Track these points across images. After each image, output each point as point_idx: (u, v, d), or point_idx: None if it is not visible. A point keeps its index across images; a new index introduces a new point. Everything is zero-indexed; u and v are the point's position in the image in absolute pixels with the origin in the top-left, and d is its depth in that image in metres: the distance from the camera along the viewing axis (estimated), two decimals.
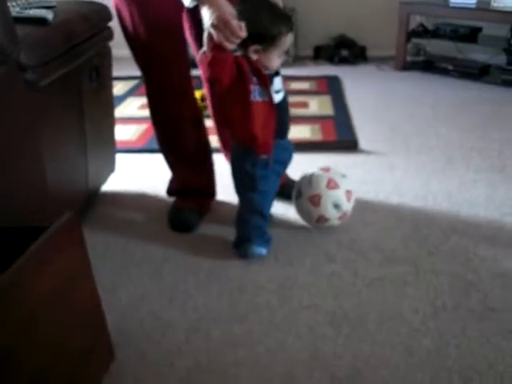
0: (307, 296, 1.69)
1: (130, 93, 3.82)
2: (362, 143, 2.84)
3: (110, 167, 2.35)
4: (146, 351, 1.50)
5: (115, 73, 2.41)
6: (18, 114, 1.56)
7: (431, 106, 3.49)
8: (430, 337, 1.52)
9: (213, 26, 1.58)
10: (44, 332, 1.12)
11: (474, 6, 4.03)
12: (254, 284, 1.76)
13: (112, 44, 2.24)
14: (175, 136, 2.07)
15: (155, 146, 2.81)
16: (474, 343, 1.50)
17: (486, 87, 3.88)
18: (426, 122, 3.19)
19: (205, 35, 1.62)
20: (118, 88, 3.89)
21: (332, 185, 1.95)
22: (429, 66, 4.35)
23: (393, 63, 4.39)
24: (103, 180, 2.31)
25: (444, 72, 4.20)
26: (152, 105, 2.05)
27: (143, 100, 3.58)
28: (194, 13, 1.77)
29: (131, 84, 4.03)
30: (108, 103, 2.26)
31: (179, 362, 1.46)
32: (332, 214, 1.96)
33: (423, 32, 4.34)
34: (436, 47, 4.46)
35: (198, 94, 3.23)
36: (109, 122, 2.29)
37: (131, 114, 3.36)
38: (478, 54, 4.30)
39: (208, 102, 2.20)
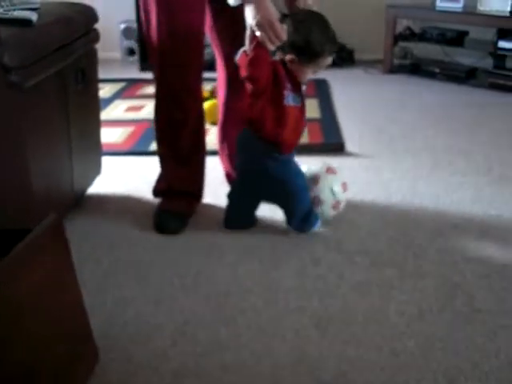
0: (293, 299, 1.69)
1: (117, 95, 3.80)
2: (349, 146, 2.84)
3: (95, 170, 2.33)
4: (132, 354, 1.48)
5: (102, 75, 2.40)
6: (2, 116, 1.55)
7: (418, 109, 3.51)
8: (415, 339, 1.52)
9: (258, 25, 1.66)
10: (26, 335, 1.11)
11: (460, 10, 4.06)
12: (240, 287, 1.75)
13: (99, 46, 2.23)
14: (175, 134, 2.08)
15: (141, 148, 2.83)
16: (459, 345, 1.50)
17: (473, 90, 3.90)
18: (412, 124, 3.20)
19: (247, 34, 1.70)
20: (105, 90, 3.87)
21: (331, 171, 2.06)
22: (416, 69, 4.37)
23: (380, 66, 4.41)
24: (89, 183, 2.30)
25: (431, 75, 4.22)
26: (160, 103, 2.08)
27: (130, 102, 3.61)
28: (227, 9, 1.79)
29: (118, 86, 4.01)
30: (94, 105, 2.25)
31: (165, 365, 1.45)
32: (327, 198, 2.01)
33: (410, 35, 4.37)
34: (423, 50, 4.47)
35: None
36: (95, 124, 2.28)
37: (118, 117, 3.35)
38: (464, 57, 4.32)
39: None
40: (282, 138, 1.88)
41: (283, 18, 1.75)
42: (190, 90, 2.04)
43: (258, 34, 1.68)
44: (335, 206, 2.04)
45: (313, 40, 1.76)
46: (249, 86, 1.81)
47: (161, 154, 2.16)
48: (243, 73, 1.76)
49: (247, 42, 1.72)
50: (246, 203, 2.07)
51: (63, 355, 1.26)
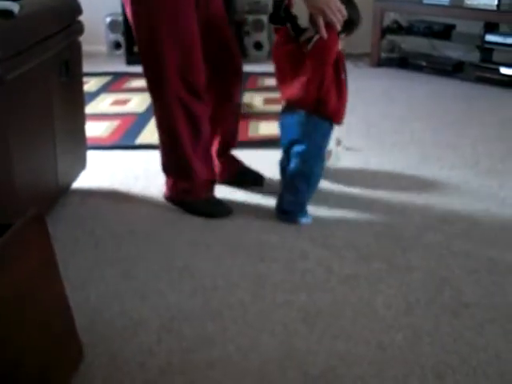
0: (281, 293, 1.68)
1: (103, 89, 3.77)
2: None
3: (80, 164, 2.30)
4: (117, 351, 1.46)
5: (88, 69, 2.37)
6: None
7: (406, 102, 3.50)
8: (403, 333, 1.51)
9: (327, 10, 1.80)
10: (7, 332, 1.09)
11: (447, 4, 4.05)
12: (226, 281, 1.74)
13: (84, 39, 2.20)
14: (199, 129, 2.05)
15: (127, 142, 2.80)
16: (447, 339, 1.49)
17: (460, 84, 3.90)
18: (400, 118, 3.19)
19: (320, 20, 1.82)
20: (91, 84, 3.84)
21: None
22: (403, 62, 4.36)
23: (368, 60, 4.40)
24: (74, 177, 2.27)
25: (418, 68, 4.22)
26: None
27: (116, 96, 3.58)
28: None
29: (104, 80, 3.98)
30: (78, 99, 2.22)
31: (151, 362, 1.43)
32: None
33: (397, 29, 4.36)
34: (410, 44, 4.47)
35: None
36: (79, 118, 2.25)
37: (104, 111, 3.31)
38: (451, 50, 4.32)
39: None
40: (342, 110, 2.05)
41: None
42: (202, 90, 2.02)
43: (328, 18, 1.81)
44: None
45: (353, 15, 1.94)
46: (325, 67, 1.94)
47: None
48: (333, 54, 1.90)
49: (320, 26, 1.83)
50: None
51: (47, 351, 1.24)
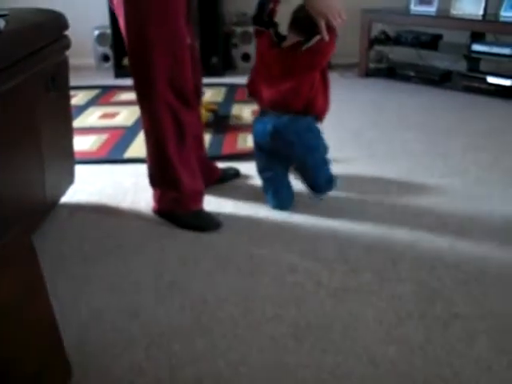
0: (270, 307, 1.66)
1: (92, 102, 3.76)
2: None
3: (69, 179, 2.29)
4: (106, 369, 1.44)
5: (76, 82, 2.36)
6: None
7: (394, 112, 3.51)
8: (394, 346, 1.50)
9: (331, 14, 1.91)
10: None
11: (434, 14, 4.09)
12: (216, 296, 1.72)
13: (72, 53, 2.19)
14: (184, 135, 2.04)
15: (116, 156, 2.79)
16: (439, 351, 1.49)
17: (448, 93, 3.93)
18: (389, 128, 3.20)
19: (322, 23, 1.92)
20: (79, 97, 3.83)
21: None
22: (391, 72, 4.38)
23: (356, 70, 4.42)
24: (62, 192, 2.25)
25: (406, 78, 4.24)
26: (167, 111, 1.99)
27: (104, 109, 3.56)
28: None
29: (92, 93, 3.97)
30: (66, 113, 2.21)
31: (140, 379, 1.41)
32: None
33: (385, 39, 4.38)
34: (398, 54, 4.50)
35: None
36: (67, 132, 2.23)
37: (92, 124, 3.30)
38: (439, 60, 4.35)
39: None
40: (327, 108, 2.17)
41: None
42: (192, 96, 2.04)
43: (330, 22, 1.92)
44: None
45: None
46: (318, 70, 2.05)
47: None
48: (328, 58, 2.04)
49: (323, 30, 1.92)
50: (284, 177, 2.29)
51: (32, 372, 1.22)
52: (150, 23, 1.84)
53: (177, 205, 2.11)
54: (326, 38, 1.93)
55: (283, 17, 2.10)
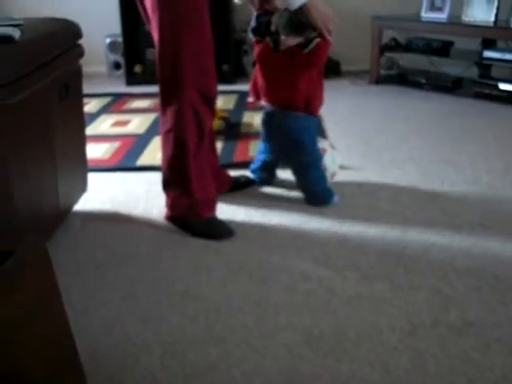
0: (283, 315, 1.66)
1: (104, 110, 3.78)
2: None
3: (81, 187, 2.30)
4: (120, 378, 1.45)
5: (88, 90, 2.38)
6: None
7: (405, 119, 3.51)
8: (408, 355, 1.50)
9: (325, 22, 2.08)
10: (6, 362, 1.08)
11: (445, 21, 4.08)
12: (229, 304, 1.72)
13: (84, 61, 2.20)
14: (203, 136, 2.10)
15: (128, 164, 2.80)
16: (452, 359, 1.48)
17: (459, 100, 3.92)
18: (400, 135, 3.20)
19: (323, 29, 2.09)
20: (91, 105, 3.85)
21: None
22: (402, 79, 4.38)
23: (367, 77, 4.42)
24: (75, 200, 2.26)
25: (417, 85, 4.24)
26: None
27: (116, 117, 3.58)
28: None
29: (104, 101, 3.99)
30: (79, 121, 2.23)
31: None
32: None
33: (396, 46, 4.38)
34: (409, 61, 4.50)
35: None
36: (80, 140, 2.25)
37: (104, 132, 3.32)
38: (450, 67, 4.34)
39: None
40: (320, 105, 2.30)
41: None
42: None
43: (326, 29, 2.09)
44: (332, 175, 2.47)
45: None
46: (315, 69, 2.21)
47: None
48: (325, 58, 2.19)
49: (325, 33, 2.11)
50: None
51: (46, 380, 1.23)
52: (183, 28, 1.92)
53: (189, 212, 2.12)
54: (330, 39, 2.14)
55: None
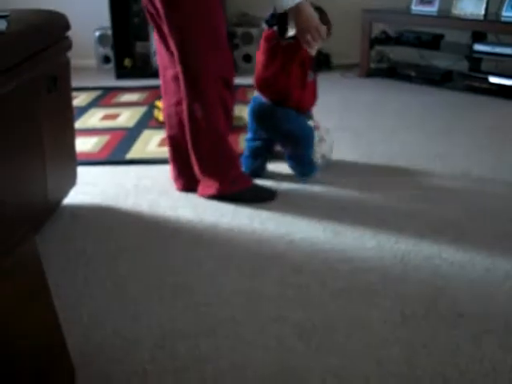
0: (274, 308, 1.66)
1: (93, 104, 3.75)
2: None
3: (71, 180, 2.28)
4: (110, 372, 1.44)
5: (78, 83, 2.36)
6: None
7: (395, 112, 3.51)
8: (399, 346, 1.49)
9: (306, 30, 2.11)
10: None
11: (435, 14, 4.08)
12: (219, 297, 1.72)
13: (73, 54, 2.18)
14: (229, 115, 2.28)
15: (118, 157, 2.78)
16: (443, 351, 1.48)
17: (449, 93, 3.92)
18: (390, 128, 3.20)
19: (304, 37, 2.14)
20: (81, 99, 3.83)
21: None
22: (392, 72, 4.38)
23: (357, 70, 4.41)
24: (64, 193, 2.25)
25: (407, 78, 4.24)
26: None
27: (106, 111, 3.56)
28: None
29: (94, 95, 3.97)
30: (67, 114, 2.21)
31: (144, 382, 1.40)
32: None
33: (386, 39, 4.38)
34: (399, 54, 4.50)
35: (160, 103, 3.20)
36: (69, 133, 2.23)
37: (94, 125, 3.30)
38: (440, 60, 4.34)
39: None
40: (304, 103, 2.40)
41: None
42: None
43: (307, 37, 2.13)
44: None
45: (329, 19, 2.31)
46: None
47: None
48: (298, 57, 2.27)
49: (304, 43, 2.17)
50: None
51: (36, 375, 1.22)
52: (200, 30, 2.06)
53: (237, 184, 2.31)
54: (312, 52, 2.24)
55: None
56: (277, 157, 2.60)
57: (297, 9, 2.08)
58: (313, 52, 2.26)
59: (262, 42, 2.35)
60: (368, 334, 1.55)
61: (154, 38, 2.30)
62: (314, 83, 2.46)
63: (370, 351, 1.48)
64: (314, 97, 2.48)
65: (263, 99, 2.40)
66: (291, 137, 2.42)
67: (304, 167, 2.48)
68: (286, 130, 2.39)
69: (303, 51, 2.24)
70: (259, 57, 2.40)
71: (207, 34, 2.08)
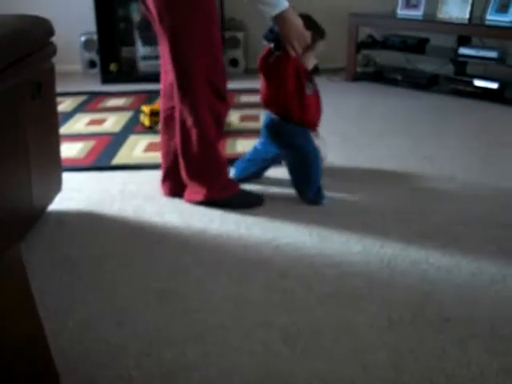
0: (261, 313, 1.65)
1: (79, 109, 3.73)
2: None
3: (56, 186, 2.27)
4: (95, 378, 1.43)
5: (63, 88, 2.35)
6: None
7: (382, 115, 3.52)
8: (385, 351, 1.49)
9: (290, 37, 2.08)
10: None
11: (420, 18, 4.10)
12: (207, 302, 1.71)
13: (59, 59, 2.17)
14: (221, 128, 2.30)
15: (103, 163, 2.77)
16: (430, 356, 1.48)
17: (435, 97, 3.94)
18: (376, 132, 3.20)
19: (289, 47, 2.11)
20: (66, 104, 3.81)
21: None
22: (379, 76, 4.39)
23: (343, 74, 4.42)
24: (49, 200, 2.23)
25: (393, 82, 4.25)
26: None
27: (92, 116, 3.54)
28: None
29: (80, 100, 3.94)
30: (52, 120, 2.19)
31: None
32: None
33: (372, 43, 4.39)
34: (385, 58, 4.51)
35: (146, 108, 3.19)
36: (54, 139, 2.22)
37: (79, 131, 3.27)
38: (426, 64, 4.36)
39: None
40: (306, 118, 2.29)
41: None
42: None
43: (290, 44, 2.09)
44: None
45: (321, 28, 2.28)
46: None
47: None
48: (288, 70, 2.18)
49: (290, 51, 2.12)
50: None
51: (20, 381, 1.20)
52: (194, 32, 2.05)
53: (225, 191, 2.31)
54: (292, 54, 2.13)
55: None
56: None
57: (281, 16, 2.05)
58: (308, 64, 2.25)
59: (258, 61, 2.29)
60: (354, 338, 1.55)
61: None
62: (317, 97, 2.35)
63: (356, 356, 1.48)
64: (317, 111, 2.37)
65: (272, 115, 2.34)
66: (299, 153, 2.33)
67: (311, 193, 2.34)
68: (295, 146, 2.32)
69: (295, 62, 2.18)
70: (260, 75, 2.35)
71: (200, 36, 2.06)
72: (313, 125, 2.36)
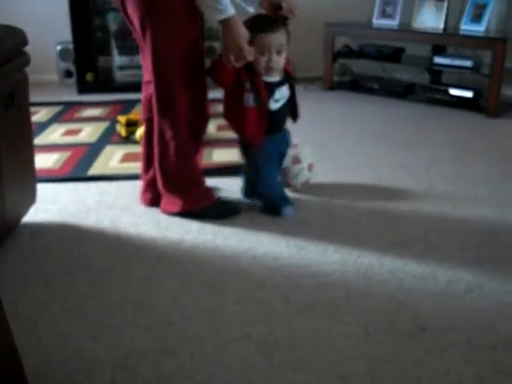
0: (238, 325, 1.64)
1: (54, 119, 3.70)
2: None
3: (30, 198, 2.24)
4: None
5: (38, 98, 2.33)
6: None
7: (359, 124, 3.53)
8: (363, 362, 1.49)
9: (228, 48, 1.99)
10: None
11: (396, 27, 4.13)
12: (182, 315, 1.69)
13: (34, 69, 2.14)
14: (198, 143, 2.28)
15: (79, 174, 2.74)
16: (407, 365, 1.48)
17: (411, 105, 3.97)
18: (354, 140, 3.22)
19: (225, 53, 2.03)
20: (42, 114, 3.77)
21: (296, 161, 2.46)
22: (355, 85, 4.42)
23: (320, 83, 4.44)
24: (23, 212, 2.20)
25: (370, 91, 4.28)
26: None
27: (68, 126, 3.51)
28: None
29: (55, 110, 3.91)
30: (26, 131, 2.16)
31: None
32: (296, 182, 2.49)
33: (349, 52, 4.42)
34: (362, 67, 4.54)
35: (122, 119, 3.17)
36: (28, 150, 2.19)
37: (55, 141, 3.24)
38: (402, 73, 4.40)
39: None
40: (243, 134, 2.22)
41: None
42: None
43: (227, 54, 2.01)
44: (303, 183, 2.50)
45: (247, 26, 2.04)
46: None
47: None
48: (224, 80, 2.14)
49: (225, 60, 2.04)
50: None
51: None
52: (177, 49, 2.04)
53: (202, 202, 2.29)
54: (226, 64, 2.04)
55: None
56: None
57: (224, 24, 1.97)
58: (260, 70, 2.12)
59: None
60: (331, 349, 1.54)
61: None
62: (261, 112, 2.15)
63: (333, 367, 1.47)
64: (258, 127, 2.17)
65: None
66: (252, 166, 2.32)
67: (269, 204, 2.32)
68: (248, 156, 2.31)
69: (236, 70, 2.09)
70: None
71: (181, 46, 2.04)
72: (251, 140, 2.21)
